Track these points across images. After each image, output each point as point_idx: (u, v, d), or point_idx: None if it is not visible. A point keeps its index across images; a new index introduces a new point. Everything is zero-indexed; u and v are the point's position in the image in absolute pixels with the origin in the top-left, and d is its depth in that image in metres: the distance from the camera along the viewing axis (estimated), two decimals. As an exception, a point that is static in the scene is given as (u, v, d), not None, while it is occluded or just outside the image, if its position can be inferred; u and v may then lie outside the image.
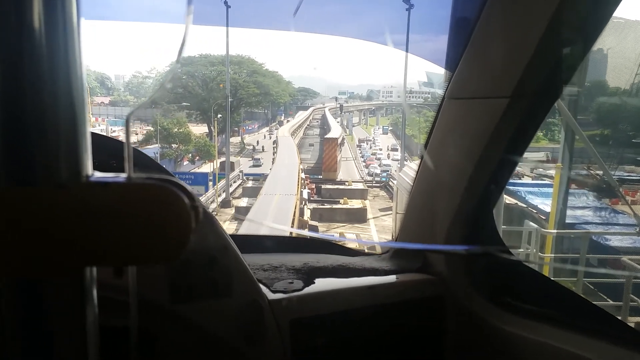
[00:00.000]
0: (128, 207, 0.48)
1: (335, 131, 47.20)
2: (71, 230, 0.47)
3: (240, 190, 35.01)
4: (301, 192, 28.01)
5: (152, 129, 42.68)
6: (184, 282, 1.29)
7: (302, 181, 31.32)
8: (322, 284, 1.53)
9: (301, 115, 65.86)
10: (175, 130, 41.55)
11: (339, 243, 2.13)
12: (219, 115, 46.11)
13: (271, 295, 1.44)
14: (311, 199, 30.39)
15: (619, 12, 1.29)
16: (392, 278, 1.61)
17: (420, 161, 1.66)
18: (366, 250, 1.93)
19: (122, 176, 0.49)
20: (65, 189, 0.47)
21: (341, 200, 30.22)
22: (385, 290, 1.57)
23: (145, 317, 1.35)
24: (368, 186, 36.36)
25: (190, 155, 42.05)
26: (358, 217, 28.00)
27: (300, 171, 33.65)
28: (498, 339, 1.46)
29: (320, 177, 38.09)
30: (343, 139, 49.70)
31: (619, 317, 1.36)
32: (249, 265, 1.39)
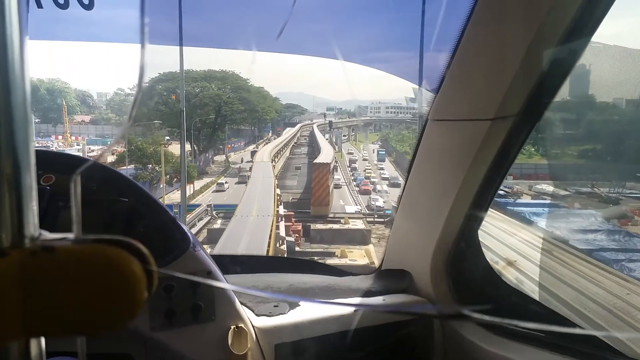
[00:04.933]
0: (75, 273, 0.46)
1: (327, 154, 38.53)
2: (13, 299, 0.45)
3: (205, 233, 24.44)
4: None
5: (124, 149, 39.44)
6: (166, 308, 1.33)
7: (279, 242, 21.05)
8: (308, 307, 1.57)
9: (288, 133, 64.75)
10: (151, 150, 39.00)
11: (326, 263, 2.18)
12: (167, 137, 43.14)
13: (255, 320, 1.48)
14: (296, 250, 22.29)
15: (597, 37, 1.39)
16: (379, 299, 1.66)
17: (405, 183, 1.73)
18: (352, 271, 1.99)
19: (70, 237, 0.48)
20: (5, 255, 0.45)
21: (337, 252, 21.73)
22: (372, 311, 1.61)
23: (125, 343, 1.39)
24: (368, 222, 28.18)
25: (167, 177, 38.91)
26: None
27: (276, 222, 23.18)
28: None
29: (309, 211, 30.34)
30: (336, 163, 41.62)
31: (607, 341, 1.41)
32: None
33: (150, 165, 38.78)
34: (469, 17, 1.35)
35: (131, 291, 0.46)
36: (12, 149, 0.46)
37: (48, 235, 0.48)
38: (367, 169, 48.63)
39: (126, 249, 0.47)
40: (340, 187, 38.17)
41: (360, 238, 24.57)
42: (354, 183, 43.17)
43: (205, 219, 27.10)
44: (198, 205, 28.91)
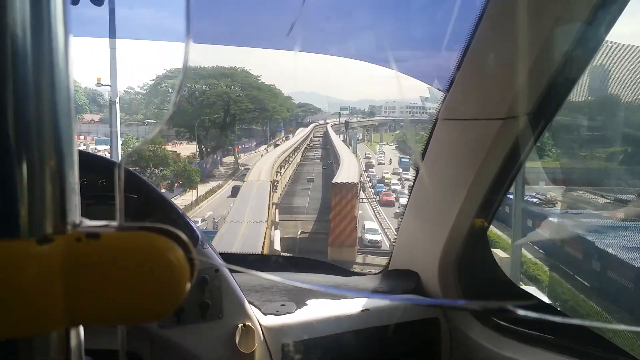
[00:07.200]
0: (120, 260, 0.47)
1: (349, 168, 27.60)
2: (55, 287, 0.46)
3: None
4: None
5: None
6: None
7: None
8: (314, 306, 1.65)
9: (301, 134, 63.46)
10: (149, 152, 36.35)
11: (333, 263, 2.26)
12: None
13: (262, 318, 1.56)
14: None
15: (612, 36, 1.44)
16: (386, 300, 1.73)
17: (414, 182, 1.80)
18: (360, 270, 2.07)
19: (113, 224, 0.49)
20: (49, 241, 0.46)
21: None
22: (379, 312, 1.68)
23: (132, 340, 1.47)
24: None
25: (169, 181, 36.63)
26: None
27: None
28: None
29: (326, 255, 20.97)
30: (362, 182, 30.66)
31: (616, 343, 1.47)
32: (240, 286, 1.51)
33: (149, 169, 36.61)
34: (480, 16, 1.41)
35: (175, 279, 0.48)
36: (56, 137, 0.47)
37: (90, 222, 0.50)
38: (385, 175, 43.86)
39: (169, 237, 0.49)
40: (379, 245, 23.68)
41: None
42: (372, 190, 36.99)
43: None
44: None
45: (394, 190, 34.49)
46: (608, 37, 1.42)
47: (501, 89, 1.43)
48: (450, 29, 1.60)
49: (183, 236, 0.49)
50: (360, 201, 26.72)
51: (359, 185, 24.18)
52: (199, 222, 26.52)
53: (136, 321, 0.49)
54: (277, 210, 24.11)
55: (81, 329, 0.51)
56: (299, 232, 23.88)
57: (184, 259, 0.48)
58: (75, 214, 0.49)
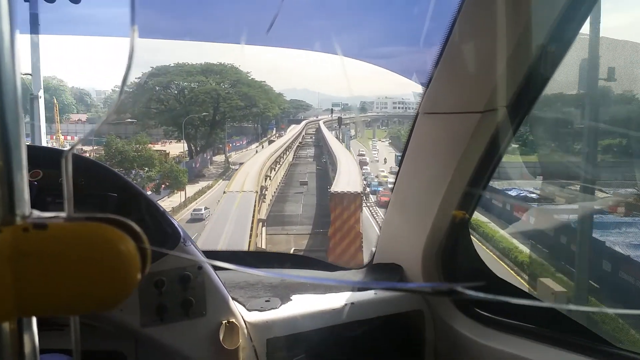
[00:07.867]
0: (68, 250, 0.48)
1: (349, 175, 22.89)
2: (4, 277, 0.46)
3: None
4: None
5: (102, 152, 35.77)
6: (157, 303, 1.43)
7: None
8: (299, 301, 1.68)
9: (293, 131, 62.35)
10: (134, 153, 35.67)
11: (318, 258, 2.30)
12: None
13: (247, 315, 1.59)
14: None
15: (585, 29, 1.48)
16: (370, 293, 1.77)
17: (396, 176, 1.84)
18: (344, 265, 2.10)
19: (62, 215, 0.50)
20: None
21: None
22: (363, 305, 1.72)
23: (116, 340, 1.50)
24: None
25: (156, 182, 34.94)
26: None
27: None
28: (476, 352, 1.61)
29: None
30: (365, 192, 26.38)
31: (596, 331, 1.52)
32: (224, 283, 1.54)
33: (134, 170, 35.32)
34: (458, 10, 1.45)
35: (125, 269, 0.48)
36: (3, 133, 0.48)
37: (40, 214, 0.51)
38: (381, 173, 40.87)
39: (120, 228, 0.50)
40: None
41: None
42: (368, 189, 32.16)
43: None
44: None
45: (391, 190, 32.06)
46: (582, 30, 1.47)
47: (480, 82, 1.47)
48: (428, 25, 1.63)
49: (135, 226, 0.51)
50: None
51: (362, 195, 20.53)
52: (202, 209, 27.56)
53: (87, 310, 0.50)
54: (264, 228, 21.34)
55: (34, 319, 0.52)
56: (291, 250, 20.18)
57: (135, 248, 0.49)
58: (25, 206, 0.50)
